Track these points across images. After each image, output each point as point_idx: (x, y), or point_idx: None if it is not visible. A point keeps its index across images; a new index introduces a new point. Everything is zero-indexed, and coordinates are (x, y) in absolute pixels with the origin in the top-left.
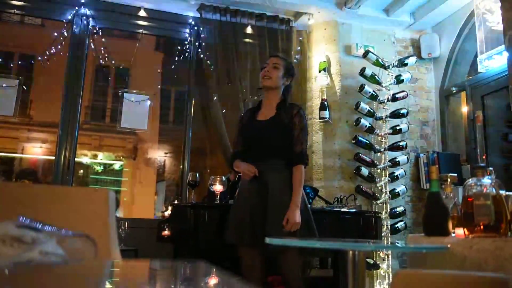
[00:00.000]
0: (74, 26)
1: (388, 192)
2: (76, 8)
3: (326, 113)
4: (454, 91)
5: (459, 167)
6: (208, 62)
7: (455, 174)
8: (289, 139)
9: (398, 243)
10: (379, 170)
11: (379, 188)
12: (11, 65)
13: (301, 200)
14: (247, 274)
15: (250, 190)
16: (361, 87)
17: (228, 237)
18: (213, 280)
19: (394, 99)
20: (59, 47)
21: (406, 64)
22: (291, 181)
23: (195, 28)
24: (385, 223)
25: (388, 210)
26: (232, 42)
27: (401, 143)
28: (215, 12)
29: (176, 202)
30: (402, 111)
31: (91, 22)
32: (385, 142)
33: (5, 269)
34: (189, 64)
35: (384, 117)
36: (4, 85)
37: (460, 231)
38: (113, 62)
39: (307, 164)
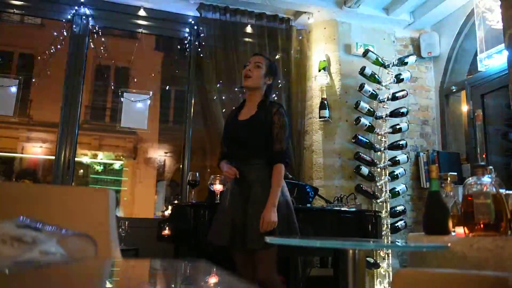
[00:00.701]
0: (74, 26)
1: (388, 191)
2: (76, 7)
3: (326, 112)
4: (454, 90)
5: (459, 166)
6: (208, 61)
7: (455, 173)
8: (268, 137)
9: (398, 242)
10: (379, 169)
11: (379, 187)
12: (11, 65)
13: (282, 200)
14: (240, 273)
15: (233, 191)
16: (361, 86)
17: (209, 236)
18: (213, 280)
19: (394, 98)
20: (59, 46)
21: (406, 63)
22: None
23: (195, 27)
24: (385, 222)
25: (388, 209)
26: (231, 41)
27: (401, 142)
28: (214, 12)
29: (176, 201)
30: (402, 110)
31: (91, 22)
32: (385, 141)
33: (5, 269)
34: (188, 64)
35: (384, 116)
36: (4, 84)
37: (460, 230)
38: (113, 61)
39: (287, 163)
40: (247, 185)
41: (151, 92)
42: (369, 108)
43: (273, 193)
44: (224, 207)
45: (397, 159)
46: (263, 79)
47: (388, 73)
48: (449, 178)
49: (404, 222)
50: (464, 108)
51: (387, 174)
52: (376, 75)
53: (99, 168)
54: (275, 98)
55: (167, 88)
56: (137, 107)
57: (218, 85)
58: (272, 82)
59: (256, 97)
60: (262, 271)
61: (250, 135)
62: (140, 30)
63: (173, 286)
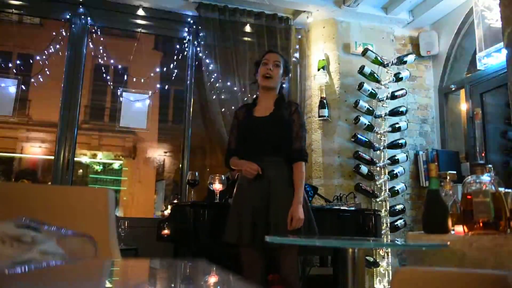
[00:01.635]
0: (73, 26)
1: (387, 190)
2: (74, 7)
3: (325, 111)
4: (453, 89)
5: (458, 165)
6: (207, 60)
7: (454, 172)
8: (289, 135)
9: (397, 241)
10: (378, 168)
11: (379, 186)
12: (10, 65)
13: (303, 198)
14: (248, 273)
15: (252, 188)
16: (360, 85)
17: (228, 237)
18: (213, 279)
19: (393, 97)
20: (57, 46)
21: (405, 62)
22: (291, 178)
23: (194, 26)
24: (384, 221)
25: (388, 208)
26: (230, 41)
27: (400, 141)
28: (213, 11)
29: (175, 201)
30: (401, 109)
31: (90, 21)
32: (385, 140)
33: (5, 269)
34: (188, 63)
35: (383, 115)
36: (2, 84)
37: (459, 229)
38: (111, 61)
39: (307, 161)
40: (267, 181)
41: (150, 92)
42: (368, 107)
43: (299, 191)
44: (240, 205)
45: (396, 158)
46: (280, 79)
47: (387, 72)
48: (448, 177)
49: (404, 221)
50: (463, 106)
51: (387, 173)
52: (375, 74)
53: (98, 168)
54: None
55: (166, 87)
56: (136, 107)
57: (217, 84)
58: (286, 81)
59: (272, 95)
60: (287, 268)
61: (270, 132)
62: (139, 29)
63: (172, 285)
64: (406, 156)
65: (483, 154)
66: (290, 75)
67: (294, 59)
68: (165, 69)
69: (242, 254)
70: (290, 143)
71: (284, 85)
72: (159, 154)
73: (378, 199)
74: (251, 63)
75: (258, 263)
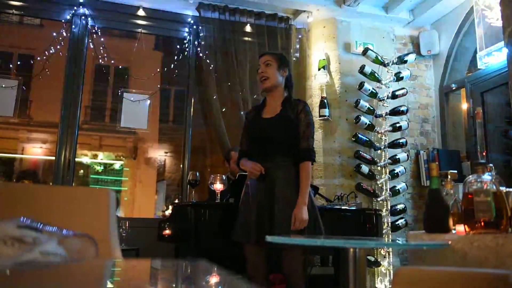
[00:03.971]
0: (73, 26)
1: (388, 190)
2: (75, 8)
3: (325, 111)
4: (454, 88)
5: (459, 164)
6: (208, 61)
7: (455, 171)
8: (296, 135)
9: (398, 240)
10: (379, 168)
11: (380, 185)
12: (11, 66)
13: (309, 198)
14: (251, 272)
15: (258, 188)
16: (361, 85)
17: (235, 236)
18: (214, 279)
19: (393, 96)
20: (58, 47)
21: (405, 62)
22: (298, 178)
23: (194, 27)
24: (385, 220)
25: (389, 207)
26: (231, 41)
27: (401, 141)
28: (214, 11)
29: (176, 201)
30: (402, 109)
31: (90, 22)
32: (385, 139)
33: (6, 269)
34: (188, 63)
35: (384, 115)
36: (3, 85)
37: (460, 228)
38: (112, 61)
39: (314, 160)
40: (272, 182)
41: (150, 92)
42: (369, 106)
43: (303, 191)
44: (248, 205)
45: (397, 157)
46: (278, 74)
47: (387, 71)
48: (449, 176)
49: (405, 220)
50: (464, 106)
51: (387, 173)
52: (375, 74)
53: (99, 168)
54: None
55: (166, 87)
56: (137, 107)
57: (217, 84)
58: (288, 73)
59: (278, 95)
60: (291, 267)
61: (277, 133)
62: (139, 30)
63: (174, 286)
64: (407, 155)
65: (484, 153)
66: (289, 66)
67: (294, 58)
68: (165, 69)
69: (247, 253)
70: (297, 143)
71: (291, 78)
72: (160, 154)
73: (379, 199)
74: (252, 63)
75: (262, 262)
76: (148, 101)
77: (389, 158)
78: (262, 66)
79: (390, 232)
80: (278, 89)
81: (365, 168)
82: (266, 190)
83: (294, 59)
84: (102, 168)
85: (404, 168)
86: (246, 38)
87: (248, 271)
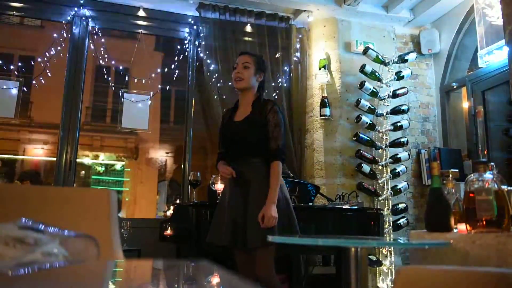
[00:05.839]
0: (74, 27)
1: (390, 189)
2: (75, 9)
3: (326, 111)
4: (455, 87)
5: (461, 163)
6: (208, 61)
7: (457, 170)
8: (265, 136)
9: (400, 239)
10: (380, 167)
11: (381, 184)
12: (11, 67)
13: (282, 196)
14: (241, 272)
15: (232, 191)
16: (362, 84)
17: (209, 237)
18: (215, 279)
19: (394, 95)
20: (59, 48)
21: (406, 60)
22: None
23: (195, 27)
24: (387, 219)
25: (390, 206)
26: (231, 41)
27: (402, 140)
28: (214, 11)
29: (178, 201)
30: (402, 108)
31: (91, 23)
32: (386, 138)
33: (8, 270)
34: (189, 63)
35: (385, 114)
36: (4, 87)
37: (462, 227)
38: (113, 62)
39: (283, 159)
40: (246, 184)
41: (151, 93)
42: (370, 105)
43: (272, 190)
44: (223, 207)
45: (398, 156)
46: (254, 78)
47: (388, 70)
48: (450, 175)
49: (406, 219)
50: (465, 104)
51: (389, 172)
52: (376, 73)
53: (100, 169)
54: (276, 97)
55: (167, 88)
56: (137, 108)
57: (218, 85)
58: (263, 78)
59: (249, 97)
60: (262, 269)
61: (246, 135)
62: (139, 30)
63: (175, 286)
64: (408, 154)
65: (485, 152)
66: (266, 72)
67: (295, 58)
68: (166, 69)
69: (235, 255)
70: (267, 144)
71: (264, 83)
72: (161, 154)
73: (380, 198)
74: None
75: (250, 263)
76: (149, 102)
77: (390, 157)
78: (239, 66)
79: (391, 231)
80: (250, 91)
81: (366, 168)
82: (240, 192)
83: (294, 59)
84: (103, 168)
85: (405, 167)
86: (247, 38)
87: (238, 270)
